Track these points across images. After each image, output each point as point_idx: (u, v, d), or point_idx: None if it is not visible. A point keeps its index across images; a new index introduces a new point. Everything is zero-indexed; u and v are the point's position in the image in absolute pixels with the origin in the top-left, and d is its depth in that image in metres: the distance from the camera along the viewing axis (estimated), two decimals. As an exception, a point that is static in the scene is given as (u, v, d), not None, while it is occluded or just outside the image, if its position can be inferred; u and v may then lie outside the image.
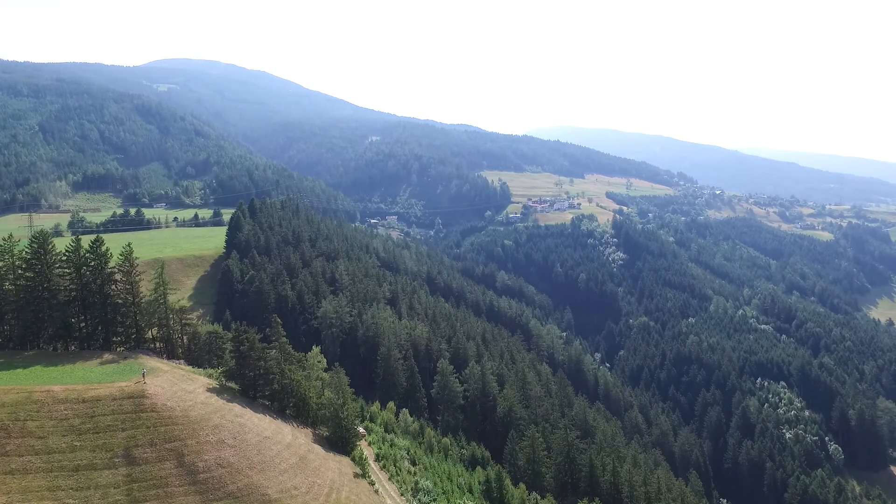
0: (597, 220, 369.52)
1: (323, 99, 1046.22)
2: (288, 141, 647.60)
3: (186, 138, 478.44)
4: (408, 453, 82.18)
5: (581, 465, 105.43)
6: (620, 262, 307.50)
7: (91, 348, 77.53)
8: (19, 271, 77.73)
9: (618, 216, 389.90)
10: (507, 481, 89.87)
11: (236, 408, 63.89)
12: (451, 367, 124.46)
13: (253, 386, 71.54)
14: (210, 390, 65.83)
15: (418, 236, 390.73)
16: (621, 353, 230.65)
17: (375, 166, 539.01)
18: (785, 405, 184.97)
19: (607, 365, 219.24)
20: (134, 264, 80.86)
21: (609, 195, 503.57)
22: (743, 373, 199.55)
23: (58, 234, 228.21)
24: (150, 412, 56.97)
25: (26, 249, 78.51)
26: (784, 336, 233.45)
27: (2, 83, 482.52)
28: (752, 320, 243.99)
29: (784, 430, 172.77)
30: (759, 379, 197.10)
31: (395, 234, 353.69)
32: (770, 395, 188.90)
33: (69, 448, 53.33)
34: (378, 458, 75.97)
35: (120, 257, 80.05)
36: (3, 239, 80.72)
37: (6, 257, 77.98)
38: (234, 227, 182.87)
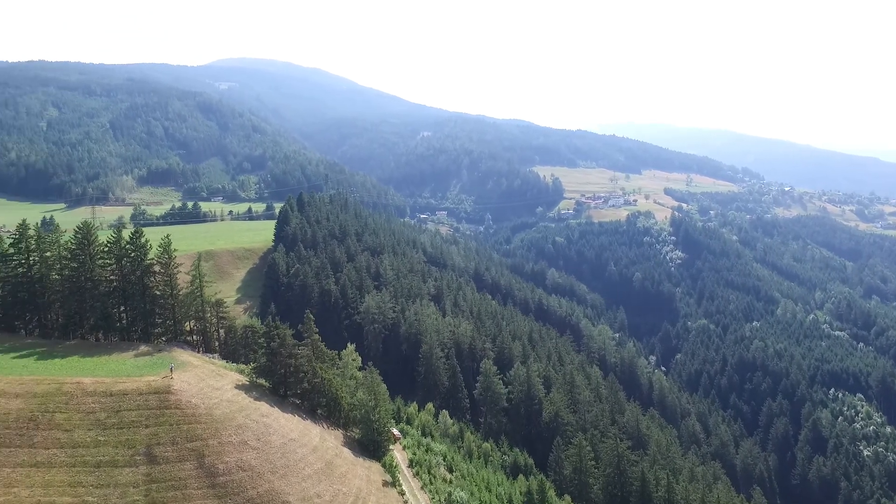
0: (654, 218, 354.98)
1: (376, 95, 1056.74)
2: (341, 136, 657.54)
3: (244, 134, 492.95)
4: (444, 459, 77.92)
5: (632, 477, 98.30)
6: (679, 261, 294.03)
7: (131, 339, 77.54)
8: (65, 261, 78.92)
9: (677, 213, 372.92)
10: (552, 492, 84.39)
11: (263, 407, 61.42)
12: (495, 367, 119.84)
13: (283, 384, 69.13)
14: (238, 387, 63.71)
15: (468, 232, 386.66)
16: (678, 356, 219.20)
17: (426, 161, 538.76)
18: (862, 419, 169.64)
19: (663, 369, 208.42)
20: (172, 256, 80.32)
21: (667, 191, 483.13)
22: (814, 382, 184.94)
23: (121, 225, 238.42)
24: (174, 409, 55.17)
25: (71, 240, 79.60)
26: (862, 344, 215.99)
27: (78, 84, 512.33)
28: (824, 326, 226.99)
29: (861, 447, 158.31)
30: (833, 390, 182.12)
31: (444, 230, 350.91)
32: (845, 408, 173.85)
33: (93, 443, 52.23)
34: (412, 464, 72.07)
35: (159, 249, 79.68)
36: (52, 230, 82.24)
37: (54, 248, 79.51)
38: (282, 221, 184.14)
